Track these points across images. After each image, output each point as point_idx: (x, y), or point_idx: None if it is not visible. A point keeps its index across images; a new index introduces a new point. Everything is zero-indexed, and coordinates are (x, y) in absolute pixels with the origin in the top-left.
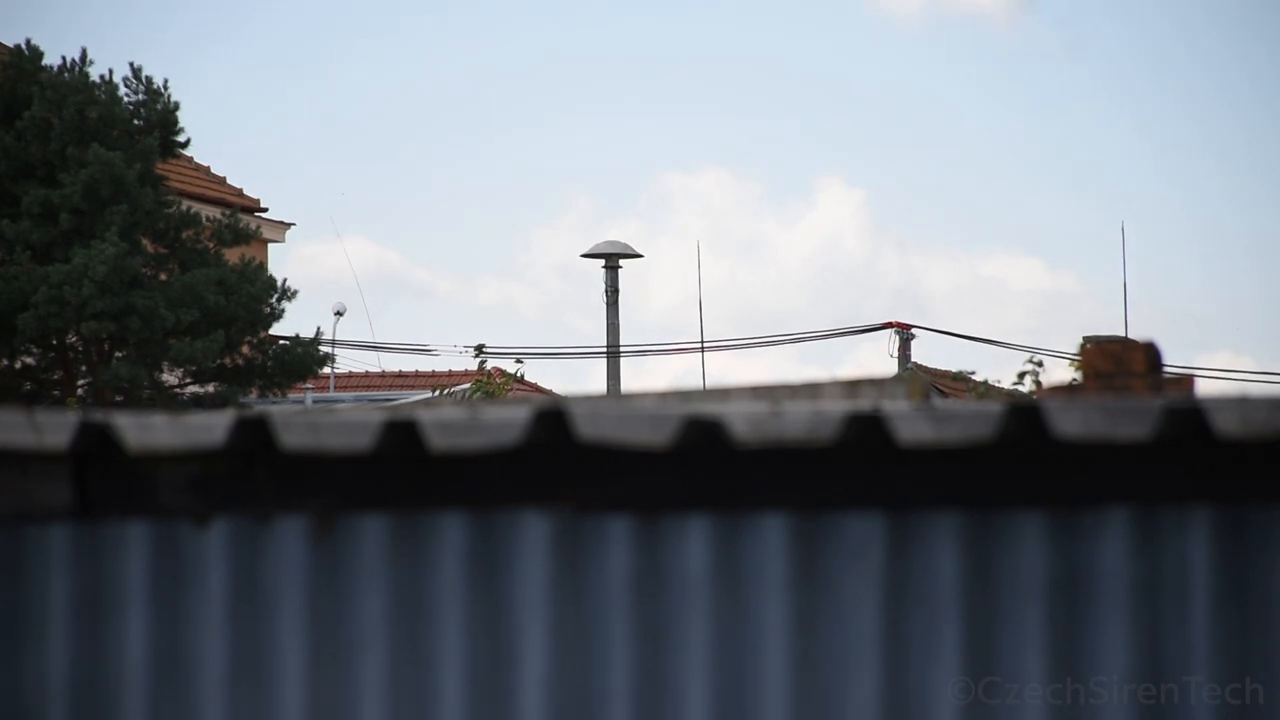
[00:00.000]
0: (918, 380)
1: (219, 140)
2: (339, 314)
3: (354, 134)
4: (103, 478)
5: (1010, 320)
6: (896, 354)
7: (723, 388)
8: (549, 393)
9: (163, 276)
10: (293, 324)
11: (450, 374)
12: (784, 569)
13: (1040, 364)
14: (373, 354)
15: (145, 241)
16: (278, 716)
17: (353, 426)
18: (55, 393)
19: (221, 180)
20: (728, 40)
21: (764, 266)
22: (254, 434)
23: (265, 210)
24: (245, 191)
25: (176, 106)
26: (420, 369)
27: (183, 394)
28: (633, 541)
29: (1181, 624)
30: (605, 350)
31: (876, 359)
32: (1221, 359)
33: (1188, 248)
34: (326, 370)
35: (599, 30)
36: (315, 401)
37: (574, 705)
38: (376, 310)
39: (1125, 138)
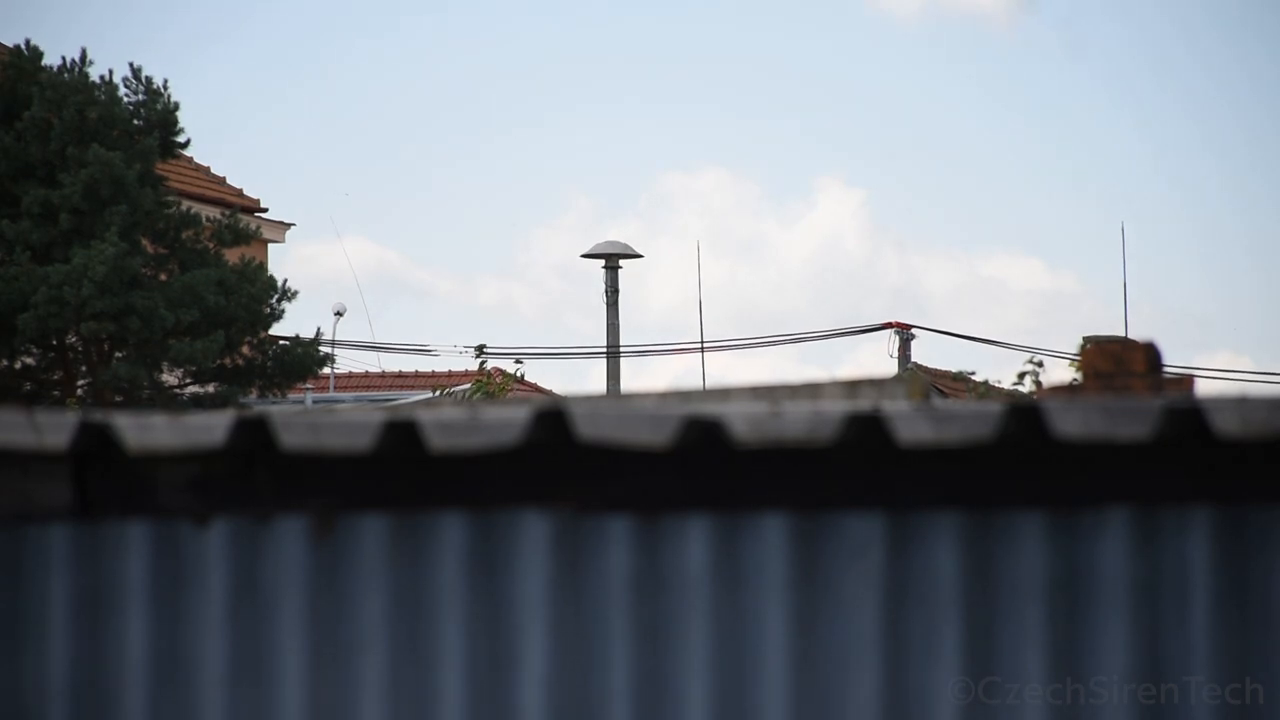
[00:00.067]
0: (918, 380)
1: (219, 140)
2: (339, 314)
3: (354, 134)
4: (103, 478)
5: (1010, 320)
6: (896, 354)
7: (723, 388)
8: (549, 393)
9: (163, 277)
10: (293, 324)
11: (450, 374)
12: (784, 569)
13: (1040, 364)
14: (373, 354)
15: (145, 242)
16: (278, 716)
17: (353, 427)
18: (55, 393)
19: (221, 180)
20: (728, 40)
21: (764, 266)
22: (254, 434)
23: (265, 210)
24: (245, 191)
25: (176, 106)
26: (420, 369)
27: (183, 394)
28: (633, 541)
29: (1181, 624)
30: (605, 350)
31: (876, 359)
32: (1221, 359)
33: (1188, 248)
34: (326, 370)
35: (599, 30)
36: (315, 402)
37: (574, 705)
38: (376, 310)
39: (1125, 138)
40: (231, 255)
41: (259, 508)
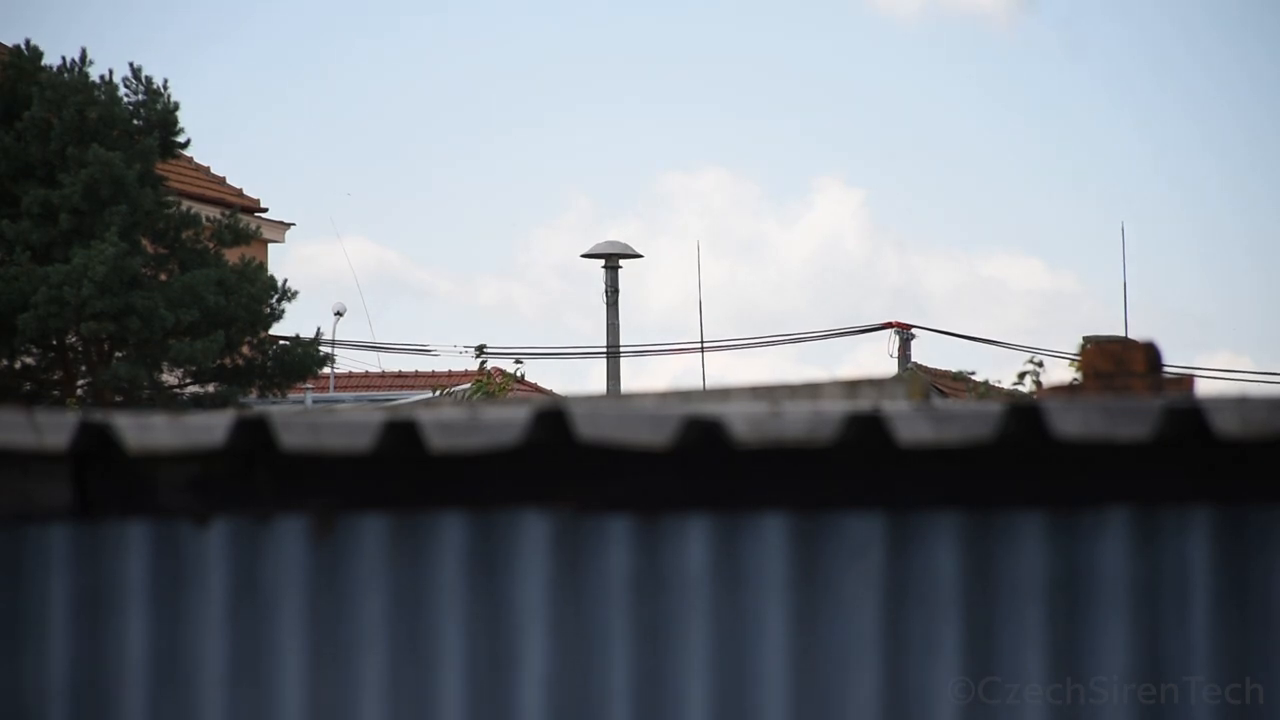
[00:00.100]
0: (918, 380)
1: (219, 140)
2: (339, 314)
3: (354, 134)
4: (103, 478)
5: (1010, 320)
6: (896, 354)
7: (723, 388)
8: (549, 393)
9: (162, 277)
10: (293, 324)
11: (450, 374)
12: (784, 569)
13: (1040, 364)
14: (373, 354)
15: (145, 242)
16: (278, 716)
17: (353, 426)
18: (55, 393)
19: (221, 180)
20: (728, 40)
21: (764, 266)
22: (254, 434)
23: (265, 210)
24: (245, 191)
25: (176, 106)
26: (420, 369)
27: (183, 394)
28: (633, 541)
29: (1181, 624)
30: (605, 350)
31: (876, 359)
32: (1221, 359)
33: (1188, 248)
34: (326, 370)
35: (599, 30)
36: (315, 402)
37: (574, 705)
38: (376, 310)
39: (1125, 138)
40: (231, 255)
41: (259, 508)
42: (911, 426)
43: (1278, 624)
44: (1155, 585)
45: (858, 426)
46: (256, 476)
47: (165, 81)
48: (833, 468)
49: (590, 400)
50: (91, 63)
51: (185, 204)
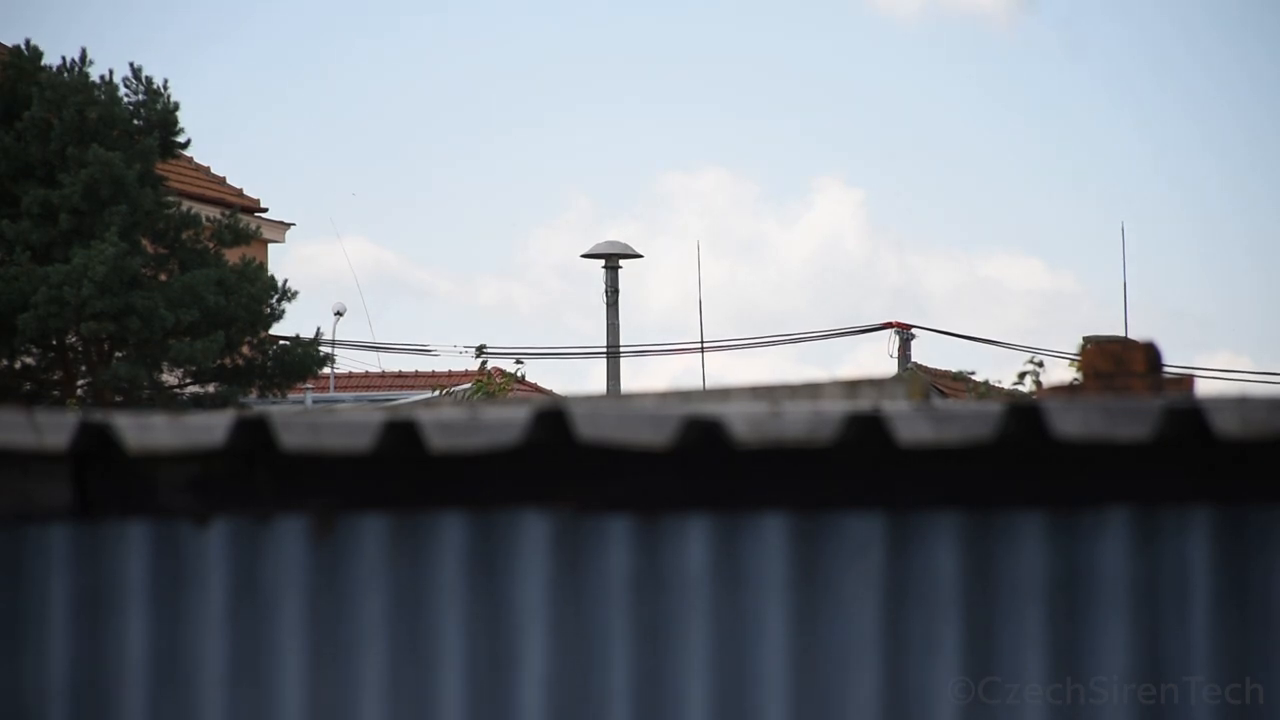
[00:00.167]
0: (918, 380)
1: (219, 140)
2: (339, 314)
3: (354, 134)
4: (103, 478)
5: (1010, 320)
6: (896, 354)
7: (723, 388)
8: (549, 393)
9: (162, 277)
10: (293, 324)
11: (450, 374)
12: (784, 569)
13: (1040, 364)
14: (373, 354)
15: (145, 242)
16: (278, 716)
17: (353, 426)
18: (55, 393)
19: (221, 180)
20: (728, 40)
21: (764, 266)
22: (254, 434)
23: (265, 210)
24: (245, 191)
25: (176, 106)
26: (420, 369)
27: (183, 394)
28: (633, 541)
29: (1181, 624)
30: (605, 350)
31: (876, 359)
32: (1221, 359)
33: (1188, 248)
34: (326, 370)
35: (599, 30)
36: (315, 402)
37: (574, 705)
38: (376, 310)
39: (1125, 138)
40: (231, 255)
41: (259, 508)
42: (911, 426)
43: (1278, 624)
44: (1155, 585)
45: (858, 426)
46: (256, 476)
47: (165, 81)
48: (833, 468)
49: (590, 400)
50: (91, 63)
51: (185, 204)
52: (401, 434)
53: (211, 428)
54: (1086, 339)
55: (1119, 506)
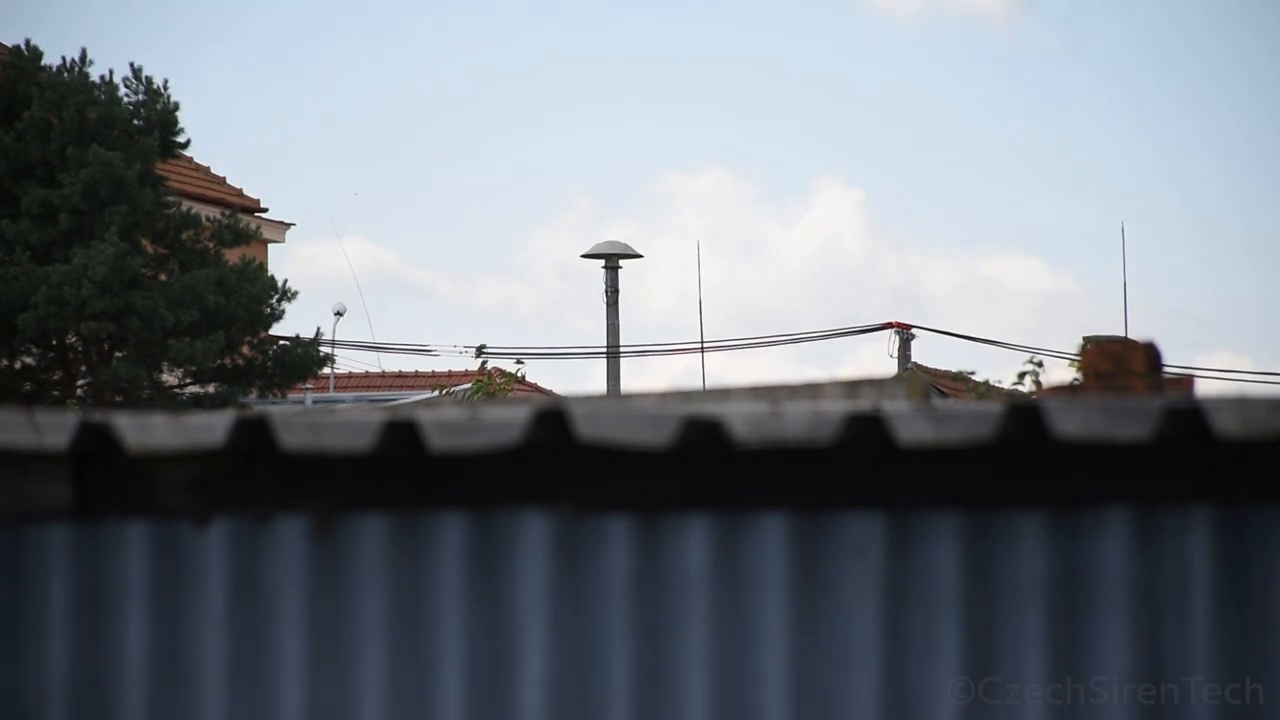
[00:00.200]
0: (918, 380)
1: (219, 140)
2: (339, 314)
3: (354, 134)
4: (103, 478)
5: (1010, 320)
6: (896, 354)
7: (723, 388)
8: (549, 393)
9: (162, 277)
10: (293, 324)
11: (450, 374)
12: (784, 569)
13: (1040, 364)
14: (373, 354)
15: (145, 242)
16: (278, 716)
17: (353, 427)
18: (55, 393)
19: (221, 180)
20: (728, 40)
21: (764, 266)
22: (254, 434)
23: (265, 210)
24: (245, 191)
25: (176, 106)
26: (420, 369)
27: (183, 394)
28: (633, 541)
29: (1181, 624)
30: (605, 350)
31: (876, 359)
32: (1221, 359)
33: (1188, 248)
34: (326, 370)
35: (599, 30)
36: (315, 402)
37: (574, 705)
38: (376, 310)
39: (1125, 138)
40: (231, 255)
41: (259, 508)
42: (911, 426)
43: (1278, 624)
44: (1155, 585)
45: (858, 426)
46: (256, 476)
47: (165, 81)
48: (833, 468)
49: (590, 400)
50: (91, 63)
51: (185, 204)
52: (401, 434)
53: (211, 428)
54: (1086, 339)
55: (1119, 506)
